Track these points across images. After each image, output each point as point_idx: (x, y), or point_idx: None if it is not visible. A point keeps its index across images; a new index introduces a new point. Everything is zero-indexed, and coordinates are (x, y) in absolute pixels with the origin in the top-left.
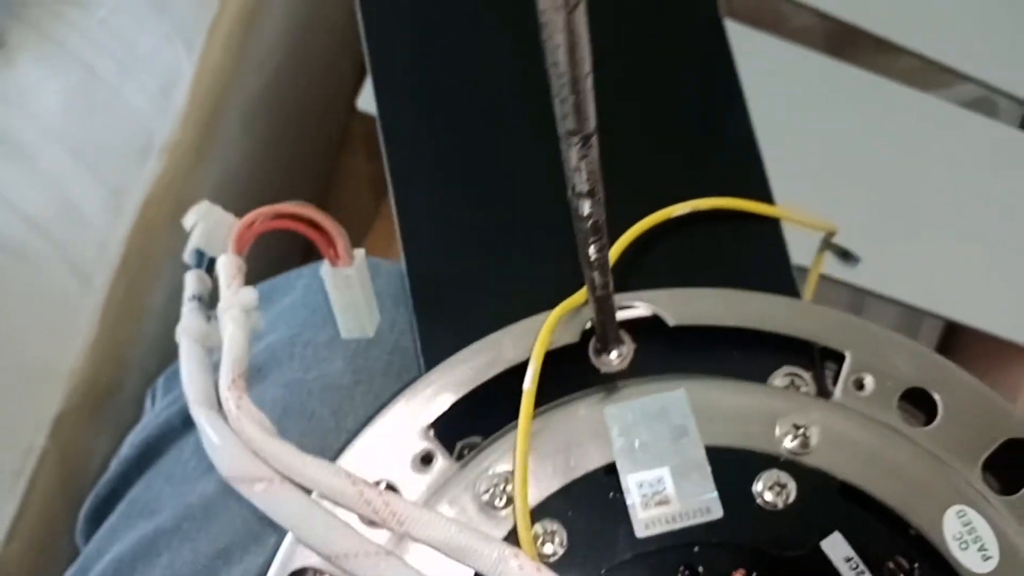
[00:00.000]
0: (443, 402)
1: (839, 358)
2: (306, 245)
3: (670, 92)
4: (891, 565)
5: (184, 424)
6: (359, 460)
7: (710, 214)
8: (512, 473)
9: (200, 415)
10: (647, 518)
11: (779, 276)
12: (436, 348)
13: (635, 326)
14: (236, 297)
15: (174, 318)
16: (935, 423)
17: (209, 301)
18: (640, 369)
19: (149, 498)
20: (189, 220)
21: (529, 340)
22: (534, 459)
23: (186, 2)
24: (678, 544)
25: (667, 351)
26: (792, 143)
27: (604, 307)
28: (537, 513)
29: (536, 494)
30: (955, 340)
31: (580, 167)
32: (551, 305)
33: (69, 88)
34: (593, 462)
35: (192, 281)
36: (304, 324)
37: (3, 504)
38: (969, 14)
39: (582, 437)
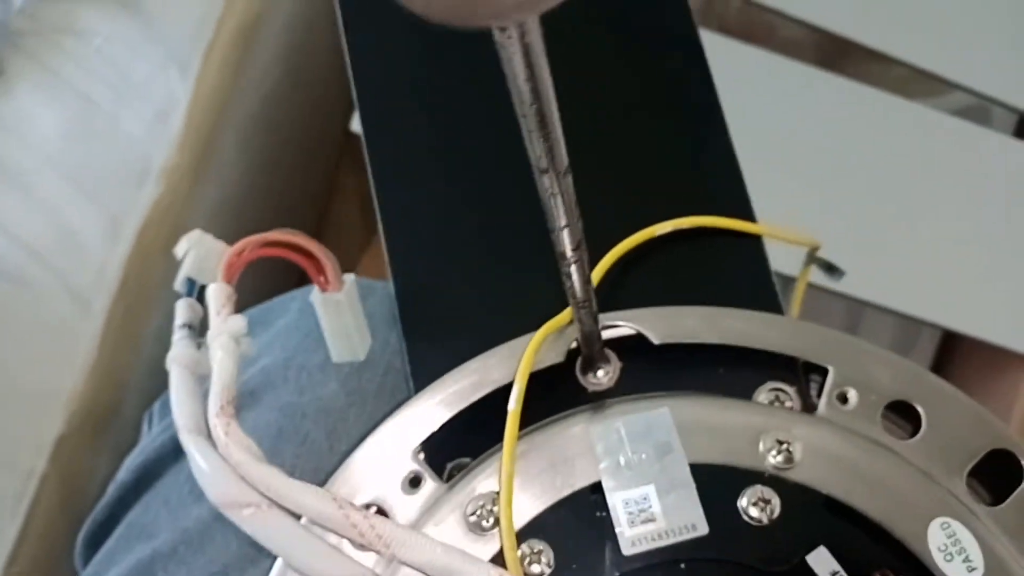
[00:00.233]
0: (431, 424)
1: (824, 371)
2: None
3: (649, 112)
4: None
5: (180, 448)
6: (349, 483)
7: (692, 232)
8: (499, 494)
9: (189, 442)
10: (634, 536)
11: (762, 292)
12: (425, 370)
13: (621, 344)
14: (225, 325)
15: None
16: (919, 435)
17: (200, 328)
18: (627, 387)
19: (146, 522)
20: (180, 248)
21: (515, 361)
22: (521, 479)
23: (180, 29)
24: (665, 561)
25: (654, 368)
26: (786, 155)
27: (588, 328)
28: (524, 533)
29: (523, 514)
30: (953, 349)
31: (555, 202)
32: (540, 324)
33: (66, 116)
34: (580, 481)
35: (183, 309)
36: (297, 347)
37: (5, 527)
38: (960, 24)
39: (568, 456)
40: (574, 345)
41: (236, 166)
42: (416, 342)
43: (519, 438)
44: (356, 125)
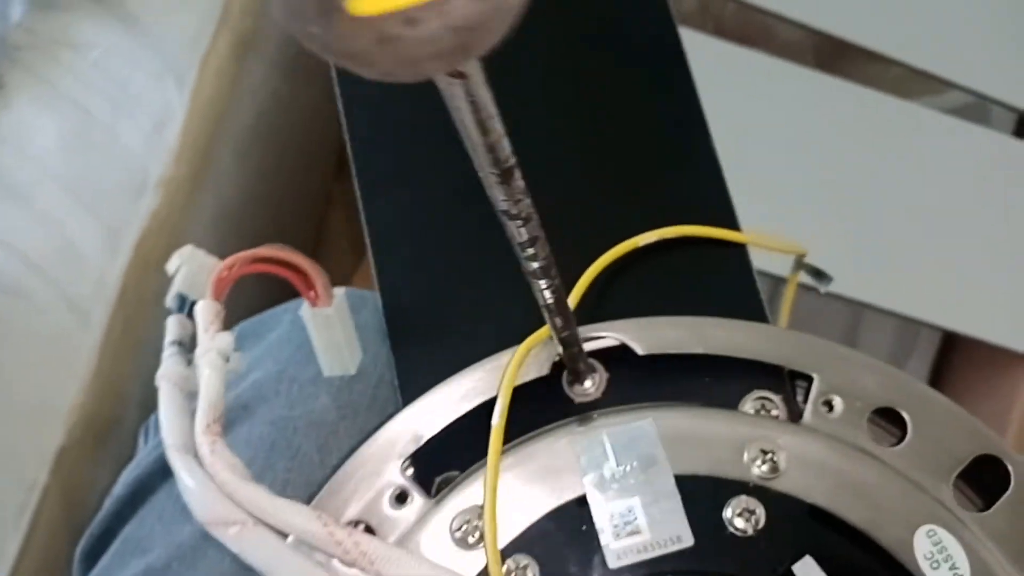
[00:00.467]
0: (416, 439)
1: (810, 378)
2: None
3: (632, 121)
4: None
5: None
6: (336, 500)
7: (677, 241)
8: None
9: (176, 459)
10: (619, 548)
11: (747, 301)
12: (414, 383)
13: (608, 355)
14: (213, 342)
15: None
16: (904, 442)
17: (190, 345)
18: (615, 397)
19: (141, 536)
20: (172, 264)
21: (502, 373)
22: (507, 493)
23: (177, 40)
24: (651, 573)
25: (641, 378)
26: (785, 157)
27: (568, 343)
28: (509, 548)
29: (509, 528)
30: (953, 350)
31: (519, 233)
32: (527, 337)
33: (64, 128)
34: (566, 494)
35: (173, 326)
36: (289, 360)
37: (7, 539)
38: (958, 23)
39: (554, 469)
40: (559, 358)
41: (233, 176)
42: (404, 356)
43: (506, 451)
44: None
